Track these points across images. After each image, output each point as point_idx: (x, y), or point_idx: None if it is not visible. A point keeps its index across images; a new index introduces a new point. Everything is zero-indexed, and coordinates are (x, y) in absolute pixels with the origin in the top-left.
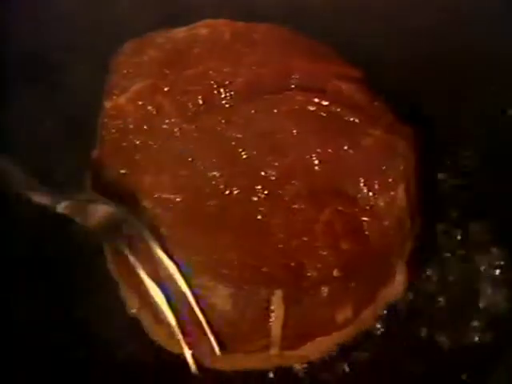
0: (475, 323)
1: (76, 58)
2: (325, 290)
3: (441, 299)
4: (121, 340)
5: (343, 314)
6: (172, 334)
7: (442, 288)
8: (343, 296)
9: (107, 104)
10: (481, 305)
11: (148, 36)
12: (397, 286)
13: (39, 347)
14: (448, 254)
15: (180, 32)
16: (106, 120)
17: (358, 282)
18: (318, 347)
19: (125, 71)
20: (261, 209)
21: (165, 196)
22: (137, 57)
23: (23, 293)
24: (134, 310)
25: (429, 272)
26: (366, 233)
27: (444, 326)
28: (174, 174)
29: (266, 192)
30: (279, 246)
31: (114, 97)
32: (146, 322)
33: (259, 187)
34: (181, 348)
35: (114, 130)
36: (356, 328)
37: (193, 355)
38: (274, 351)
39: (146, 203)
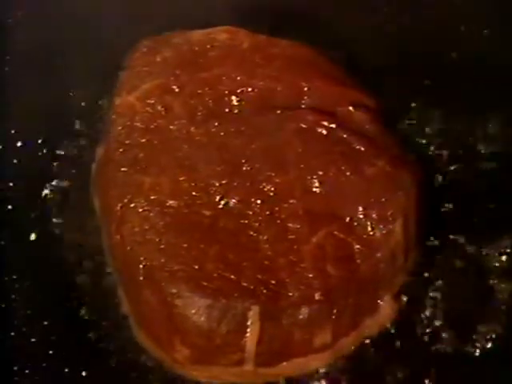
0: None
1: (92, 54)
2: (305, 311)
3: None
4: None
5: (321, 338)
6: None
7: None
8: (323, 320)
9: (117, 101)
10: None
11: (165, 35)
12: (382, 318)
13: (38, 344)
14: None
15: (198, 34)
16: (114, 117)
17: (340, 309)
18: (293, 367)
19: (138, 69)
20: (253, 224)
21: (161, 199)
22: (151, 55)
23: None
24: (126, 309)
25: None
26: (358, 261)
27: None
28: (173, 179)
29: (262, 207)
30: (264, 262)
31: (124, 94)
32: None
33: (256, 201)
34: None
35: (120, 127)
36: (334, 354)
37: (171, 361)
38: (248, 367)
39: (141, 203)
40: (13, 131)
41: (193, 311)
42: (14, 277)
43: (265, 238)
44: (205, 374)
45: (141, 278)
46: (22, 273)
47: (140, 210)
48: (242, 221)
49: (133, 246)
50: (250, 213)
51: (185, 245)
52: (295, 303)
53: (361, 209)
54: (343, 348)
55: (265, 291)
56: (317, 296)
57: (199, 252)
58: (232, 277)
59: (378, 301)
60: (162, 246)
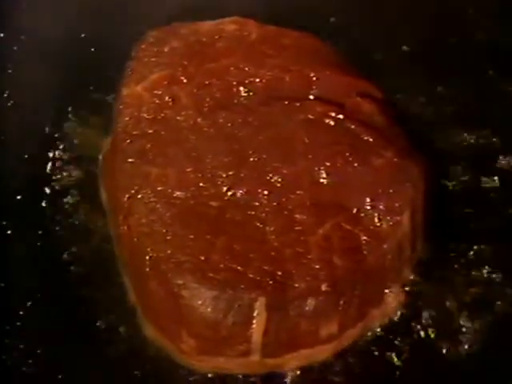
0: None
1: (100, 44)
2: (311, 302)
3: None
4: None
5: (328, 329)
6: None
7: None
8: (330, 311)
9: (124, 91)
10: None
11: (173, 26)
12: (388, 309)
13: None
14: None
15: (206, 25)
16: (121, 107)
17: (347, 300)
18: (300, 358)
19: (145, 59)
20: (260, 215)
21: (168, 191)
22: (159, 46)
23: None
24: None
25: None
26: (365, 252)
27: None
28: (180, 169)
29: (269, 198)
30: (271, 253)
31: (132, 84)
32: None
33: (263, 192)
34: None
35: (127, 118)
36: (340, 345)
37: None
38: (254, 357)
39: (148, 194)
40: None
41: (199, 302)
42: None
43: (272, 229)
44: (210, 364)
45: (147, 270)
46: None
47: (147, 201)
48: (248, 212)
49: (139, 236)
50: (257, 204)
51: (191, 236)
52: (302, 294)
53: (368, 200)
54: (349, 339)
55: (271, 282)
56: (323, 287)
57: (206, 243)
58: (239, 268)
59: (385, 292)
60: (169, 237)
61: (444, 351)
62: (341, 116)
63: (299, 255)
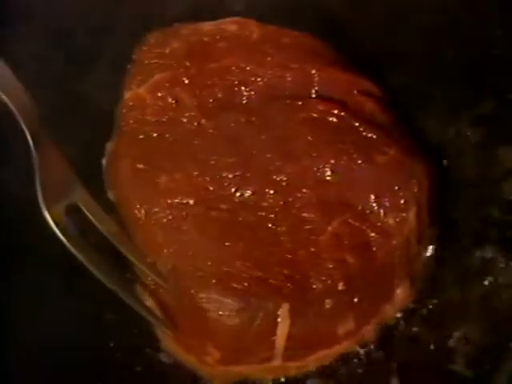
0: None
1: (100, 48)
2: (329, 303)
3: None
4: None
5: (345, 327)
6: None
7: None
8: (346, 310)
9: (126, 94)
10: None
11: (173, 27)
12: (398, 304)
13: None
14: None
15: (207, 25)
16: (124, 111)
17: (361, 297)
18: (318, 359)
19: (147, 62)
20: (270, 216)
21: (179, 200)
22: (160, 47)
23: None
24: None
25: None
26: (374, 249)
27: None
28: (187, 174)
29: (276, 198)
30: (287, 256)
31: (134, 87)
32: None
33: (270, 192)
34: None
35: (131, 121)
36: (355, 341)
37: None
38: (275, 362)
39: (162, 205)
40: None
41: (224, 314)
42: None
43: (283, 229)
44: (231, 373)
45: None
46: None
47: (162, 215)
48: (259, 213)
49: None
50: (265, 204)
51: (210, 246)
52: (320, 295)
53: (373, 197)
54: (364, 335)
55: (292, 287)
56: (340, 286)
57: (225, 252)
58: (260, 274)
59: (395, 287)
60: (190, 252)
61: (452, 344)
62: (343, 114)
63: (313, 255)
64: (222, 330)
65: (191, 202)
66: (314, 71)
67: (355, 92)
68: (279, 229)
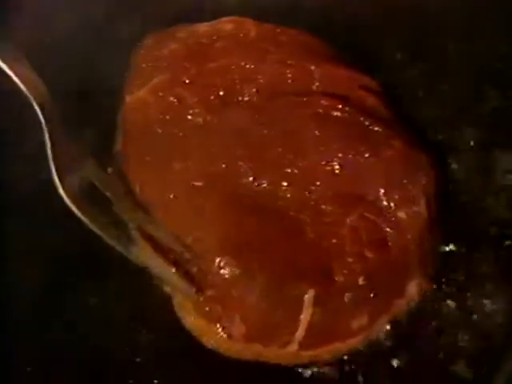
0: None
1: (98, 52)
2: (348, 296)
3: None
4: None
5: (359, 321)
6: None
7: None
8: (363, 305)
9: (127, 98)
10: None
11: (169, 30)
12: (410, 299)
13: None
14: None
15: (203, 26)
16: (127, 114)
17: (376, 292)
18: (331, 351)
19: (144, 65)
20: (291, 205)
21: (198, 184)
22: (158, 50)
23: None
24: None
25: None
26: (389, 244)
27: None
28: (201, 162)
29: (292, 190)
30: (311, 245)
31: (135, 91)
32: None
33: (284, 184)
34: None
35: (136, 122)
36: (367, 336)
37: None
38: (292, 349)
39: (179, 191)
40: None
41: (256, 292)
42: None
43: (306, 219)
44: (249, 351)
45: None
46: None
47: (184, 202)
48: (279, 202)
49: None
50: (283, 195)
51: (237, 230)
52: (341, 288)
53: (382, 191)
54: (376, 330)
55: (316, 275)
56: (360, 281)
57: (254, 235)
58: (287, 258)
59: (408, 282)
60: (214, 234)
61: (466, 337)
62: (347, 108)
63: (335, 247)
64: (252, 306)
65: (209, 185)
66: (313, 67)
67: (355, 87)
68: (301, 217)
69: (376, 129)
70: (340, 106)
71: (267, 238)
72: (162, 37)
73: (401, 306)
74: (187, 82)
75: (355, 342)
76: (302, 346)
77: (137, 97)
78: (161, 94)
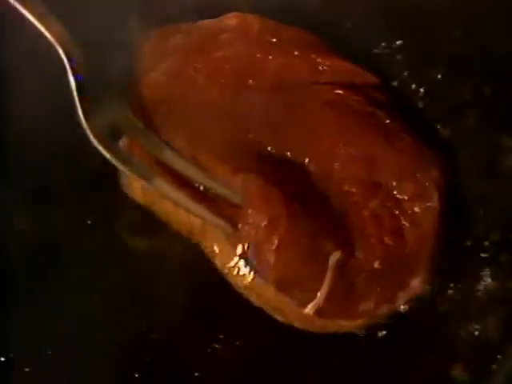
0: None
1: (103, 45)
2: (363, 276)
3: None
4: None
5: (365, 305)
6: None
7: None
8: (372, 289)
9: (134, 86)
10: None
11: (173, 25)
12: (412, 291)
13: None
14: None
15: (207, 22)
16: (135, 99)
17: (386, 280)
18: (334, 327)
19: (150, 55)
20: (315, 180)
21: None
22: (163, 42)
23: None
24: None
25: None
26: (406, 236)
27: None
28: (221, 128)
29: (314, 167)
30: (337, 217)
31: (141, 78)
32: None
33: (305, 160)
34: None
35: (146, 102)
36: (369, 321)
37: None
38: (309, 310)
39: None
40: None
41: (286, 241)
42: None
43: (331, 195)
44: (272, 302)
45: None
46: None
47: None
48: (302, 177)
49: None
50: (306, 170)
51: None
52: (358, 267)
53: (395, 183)
54: (379, 317)
55: (342, 244)
56: (376, 264)
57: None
58: (316, 221)
59: (415, 276)
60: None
61: (470, 328)
62: (361, 99)
63: (358, 226)
64: (284, 251)
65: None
66: (320, 60)
67: (360, 82)
68: (327, 194)
69: (387, 121)
70: (355, 97)
71: (299, 196)
72: (166, 31)
73: (403, 298)
74: (193, 72)
75: (357, 325)
76: (319, 311)
77: (144, 82)
78: (173, 75)
